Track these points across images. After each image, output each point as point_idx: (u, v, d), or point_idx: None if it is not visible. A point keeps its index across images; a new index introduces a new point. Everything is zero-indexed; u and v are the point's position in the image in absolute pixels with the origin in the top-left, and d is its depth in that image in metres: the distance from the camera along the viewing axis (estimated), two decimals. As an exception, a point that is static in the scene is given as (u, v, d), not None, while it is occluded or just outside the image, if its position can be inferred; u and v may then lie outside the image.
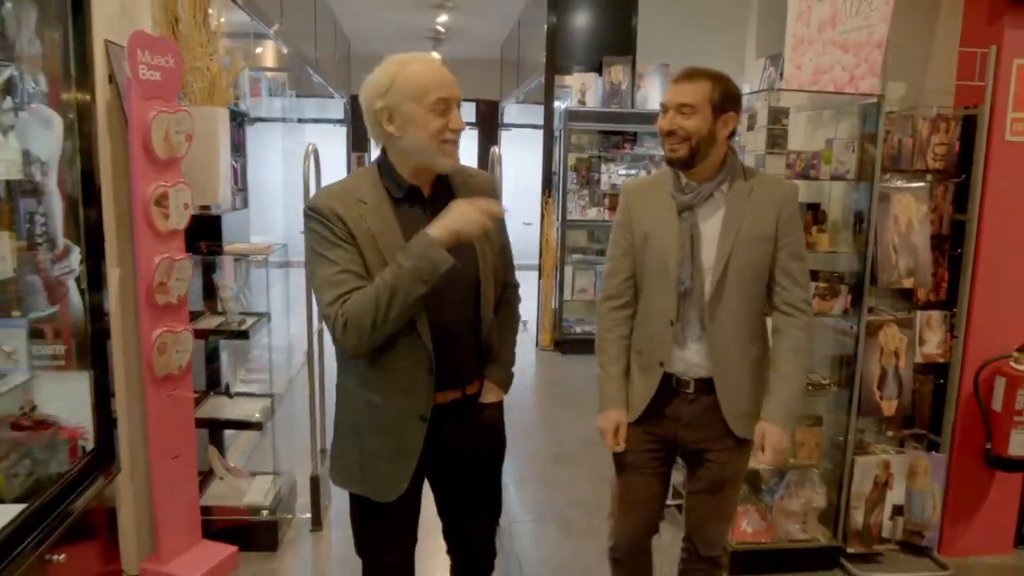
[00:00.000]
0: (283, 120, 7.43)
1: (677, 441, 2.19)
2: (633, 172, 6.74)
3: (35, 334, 2.61)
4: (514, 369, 2.07)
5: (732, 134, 2.07)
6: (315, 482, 3.45)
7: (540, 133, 7.34)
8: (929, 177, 3.17)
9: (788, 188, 2.16)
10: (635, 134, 6.78)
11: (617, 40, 6.84)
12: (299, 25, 7.21)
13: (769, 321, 2.19)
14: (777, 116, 2.90)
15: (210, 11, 3.13)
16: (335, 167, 8.48)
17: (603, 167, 6.74)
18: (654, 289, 2.14)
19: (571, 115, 6.57)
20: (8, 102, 2.44)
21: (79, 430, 2.64)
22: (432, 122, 1.77)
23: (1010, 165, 3.06)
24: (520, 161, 10.51)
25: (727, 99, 2.00)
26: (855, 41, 3.05)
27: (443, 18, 8.65)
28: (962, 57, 3.15)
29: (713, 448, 2.17)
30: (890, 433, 3.32)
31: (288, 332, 4.57)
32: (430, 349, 1.84)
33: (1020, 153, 3.05)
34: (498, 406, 2.06)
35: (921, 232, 3.06)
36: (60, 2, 2.45)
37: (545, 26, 7.04)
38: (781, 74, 3.59)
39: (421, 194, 1.89)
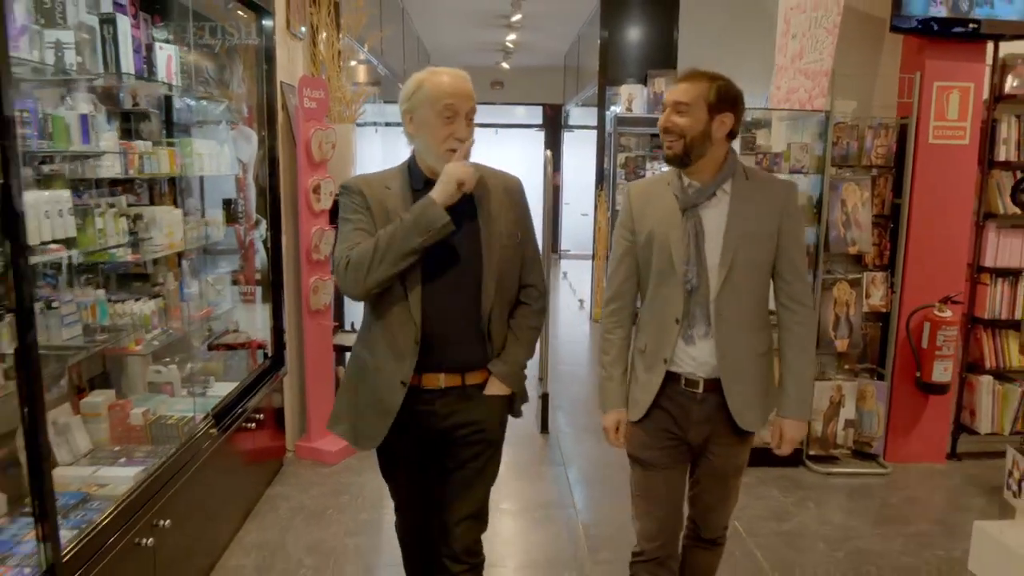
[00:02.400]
0: (374, 124, 8.73)
1: (687, 439, 2.20)
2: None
3: (234, 280, 3.90)
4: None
5: (732, 134, 2.09)
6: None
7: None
8: (874, 171, 4.18)
9: (789, 186, 2.19)
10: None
11: (661, 53, 7.90)
12: (390, 42, 8.48)
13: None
14: (749, 127, 3.96)
15: (339, 45, 4.38)
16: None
17: (648, 165, 7.83)
18: (659, 288, 2.14)
19: (620, 120, 7.66)
20: (225, 124, 3.74)
21: (262, 342, 3.93)
22: (440, 129, 1.93)
23: (933, 161, 4.05)
24: (580, 158, 11.64)
25: (723, 99, 2.03)
26: (813, 69, 4.10)
27: (512, 36, 9.85)
28: (900, 80, 4.15)
29: (717, 443, 2.18)
30: (847, 367, 4.36)
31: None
32: (417, 321, 1.96)
33: (940, 152, 4.04)
34: (497, 400, 2.11)
35: (864, 212, 4.09)
36: (257, 58, 3.72)
37: (599, 41, 8.15)
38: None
39: None
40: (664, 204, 2.12)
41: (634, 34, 8.07)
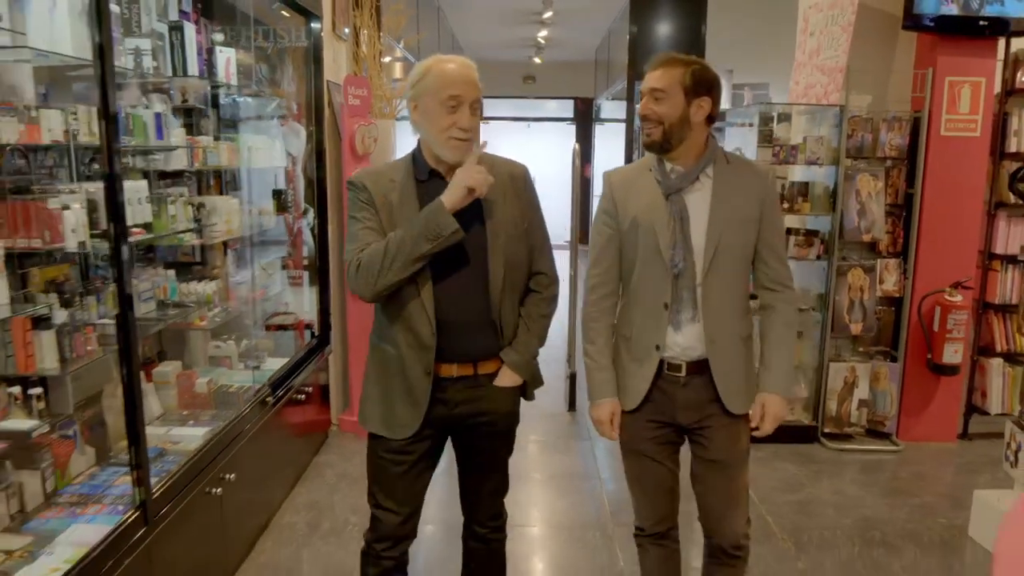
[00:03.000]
0: (407, 119, 9.05)
1: (675, 423, 2.19)
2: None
3: (284, 265, 4.22)
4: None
5: (711, 119, 2.08)
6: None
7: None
8: (888, 162, 4.37)
9: (766, 171, 2.23)
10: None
11: (688, 47, 8.06)
12: (425, 39, 8.77)
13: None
14: (766, 120, 4.17)
15: (380, 46, 4.68)
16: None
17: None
18: (645, 273, 2.13)
19: (648, 113, 7.86)
20: (276, 120, 4.05)
21: (309, 323, 4.24)
22: (443, 119, 1.92)
23: (944, 153, 4.23)
24: (611, 150, 11.84)
25: (700, 84, 2.02)
26: (829, 66, 4.29)
27: (543, 32, 10.09)
28: (915, 76, 4.33)
29: (710, 426, 2.16)
30: (861, 349, 4.56)
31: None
32: (431, 313, 1.97)
33: (951, 144, 4.22)
34: (510, 390, 2.13)
35: (877, 201, 4.28)
36: (305, 59, 4.03)
37: (627, 36, 8.35)
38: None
39: (442, 177, 2.02)
40: (647, 190, 2.12)
41: (663, 29, 8.25)
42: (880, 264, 4.40)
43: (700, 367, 2.12)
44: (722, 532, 2.24)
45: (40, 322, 2.18)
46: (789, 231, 4.36)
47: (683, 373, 2.12)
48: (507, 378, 2.10)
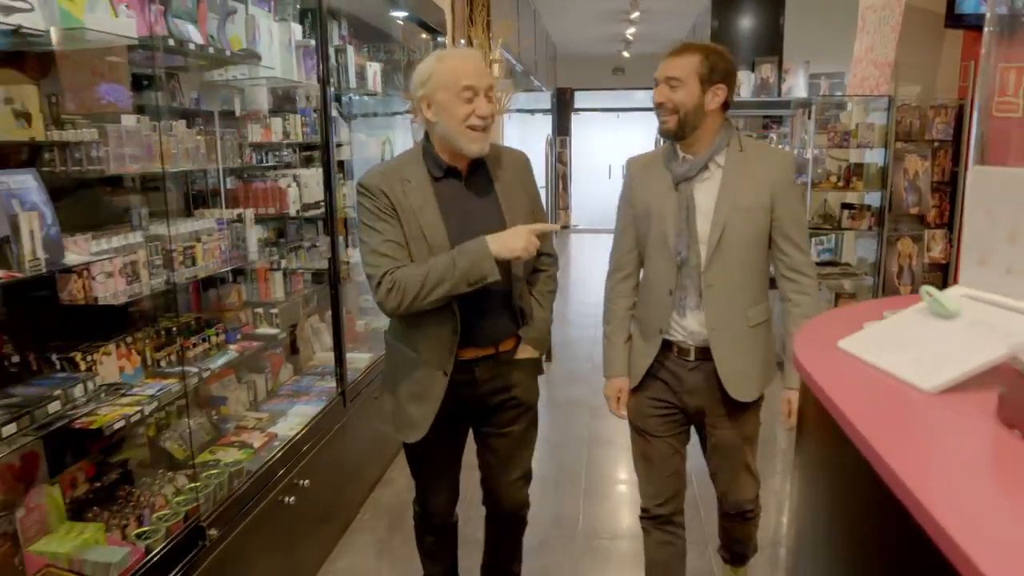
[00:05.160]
0: (506, 112, 9.94)
1: (682, 406, 2.23)
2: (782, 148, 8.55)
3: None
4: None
5: (726, 106, 2.06)
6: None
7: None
8: (935, 144, 4.95)
9: (781, 157, 2.17)
10: (780, 118, 8.57)
11: (767, 41, 8.64)
12: (521, 37, 9.62)
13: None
14: (822, 108, 4.83)
15: (492, 55, 5.54)
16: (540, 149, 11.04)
17: (754, 142, 8.60)
18: (655, 260, 2.17)
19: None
20: (409, 118, 4.96)
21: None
22: (460, 109, 1.92)
23: (989, 133, 4.78)
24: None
25: (716, 71, 2.01)
26: (881, 61, 4.91)
27: (631, 29, 10.79)
28: (961, 67, 4.89)
29: (714, 413, 2.20)
30: (911, 310, 5.15)
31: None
32: (457, 314, 2.00)
33: (995, 125, 4.77)
34: (530, 363, 2.21)
35: (924, 179, 4.87)
36: (432, 68, 4.93)
37: (709, 30, 8.97)
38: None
39: (459, 172, 2.04)
40: (660, 178, 2.15)
41: (743, 23, 8.84)
42: (927, 234, 5.00)
43: (708, 352, 2.14)
44: (728, 500, 2.37)
45: (272, 265, 3.14)
46: (845, 206, 5.01)
47: (692, 358, 2.17)
48: (527, 352, 2.18)
